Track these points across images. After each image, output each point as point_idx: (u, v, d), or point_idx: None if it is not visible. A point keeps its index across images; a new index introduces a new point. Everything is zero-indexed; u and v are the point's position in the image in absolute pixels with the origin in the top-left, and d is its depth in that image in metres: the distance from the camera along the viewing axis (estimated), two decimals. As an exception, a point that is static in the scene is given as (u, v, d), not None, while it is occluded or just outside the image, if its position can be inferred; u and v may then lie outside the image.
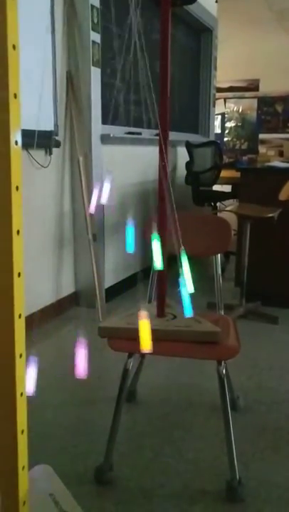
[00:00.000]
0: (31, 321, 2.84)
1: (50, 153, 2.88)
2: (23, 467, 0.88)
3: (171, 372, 2.39)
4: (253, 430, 1.90)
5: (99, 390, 2.19)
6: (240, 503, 1.51)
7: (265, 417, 1.99)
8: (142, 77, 3.84)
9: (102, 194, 1.19)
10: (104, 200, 1.18)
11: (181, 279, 1.15)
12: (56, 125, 2.84)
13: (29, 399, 2.10)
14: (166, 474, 1.64)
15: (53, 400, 2.11)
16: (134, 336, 1.59)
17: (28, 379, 0.91)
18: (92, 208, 1.29)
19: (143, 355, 2.12)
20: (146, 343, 0.98)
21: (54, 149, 2.90)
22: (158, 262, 1.13)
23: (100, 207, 3.19)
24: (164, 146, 1.53)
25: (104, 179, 1.19)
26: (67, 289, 3.21)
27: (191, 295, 1.24)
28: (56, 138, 2.87)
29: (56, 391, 2.19)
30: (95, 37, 2.97)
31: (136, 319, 1.64)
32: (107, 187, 1.22)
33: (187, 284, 1.15)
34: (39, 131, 2.69)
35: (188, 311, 1.18)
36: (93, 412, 2.02)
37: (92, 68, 2.97)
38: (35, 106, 2.67)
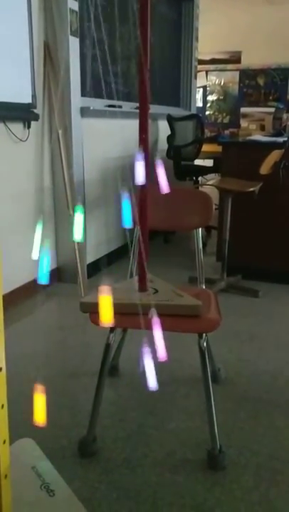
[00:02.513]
0: (13, 297, 2.82)
1: (29, 127, 2.81)
2: (4, 441, 0.88)
3: (153, 346, 2.41)
4: (233, 401, 1.94)
5: (81, 365, 2.21)
6: (221, 471, 1.55)
7: (245, 388, 2.03)
8: (122, 47, 3.75)
9: (137, 174, 1.14)
10: (140, 180, 1.14)
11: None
12: (34, 97, 2.77)
13: (11, 374, 2.10)
14: (149, 445, 1.67)
15: (35, 375, 2.11)
16: (116, 310, 1.59)
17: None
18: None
19: (125, 330, 2.13)
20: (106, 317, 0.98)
21: (32, 122, 2.84)
22: (77, 235, 1.10)
23: (80, 181, 3.14)
24: (144, 118, 1.50)
25: (137, 158, 1.13)
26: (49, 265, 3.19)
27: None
28: (34, 111, 2.80)
29: (38, 366, 2.19)
30: (73, 5, 2.87)
31: (117, 294, 1.64)
32: (140, 166, 1.16)
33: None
34: (16, 104, 2.62)
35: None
36: (76, 386, 2.03)
37: (70, 38, 2.88)
38: (12, 78, 2.59)
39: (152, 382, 0.94)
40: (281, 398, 1.96)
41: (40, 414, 0.92)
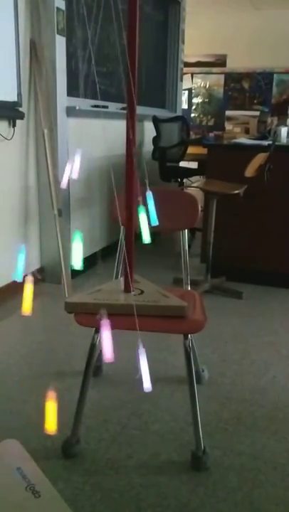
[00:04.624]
0: (-4, 297, 2.79)
1: (14, 125, 2.79)
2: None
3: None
4: (217, 402, 1.95)
5: (66, 365, 2.19)
6: (204, 472, 1.56)
7: (228, 389, 2.04)
8: (109, 48, 3.74)
9: (72, 169, 1.15)
10: (74, 174, 1.15)
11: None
12: (20, 96, 2.74)
13: (-6, 375, 2.08)
14: (133, 446, 1.67)
15: (19, 376, 2.09)
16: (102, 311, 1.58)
17: None
18: (63, 182, 1.24)
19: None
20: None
21: (18, 121, 2.81)
22: (145, 235, 1.11)
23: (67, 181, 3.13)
24: (132, 119, 1.50)
25: (74, 154, 1.14)
26: (33, 265, 3.17)
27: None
28: (20, 109, 2.78)
29: (22, 366, 2.17)
30: (60, 3, 2.86)
31: (103, 295, 1.63)
32: (76, 161, 1.17)
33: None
34: (1, 102, 2.60)
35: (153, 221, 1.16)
36: (60, 386, 2.02)
37: (57, 37, 2.87)
38: (-2, 75, 2.56)
39: (147, 383, 0.94)
40: (264, 399, 1.97)
41: (51, 423, 0.92)
